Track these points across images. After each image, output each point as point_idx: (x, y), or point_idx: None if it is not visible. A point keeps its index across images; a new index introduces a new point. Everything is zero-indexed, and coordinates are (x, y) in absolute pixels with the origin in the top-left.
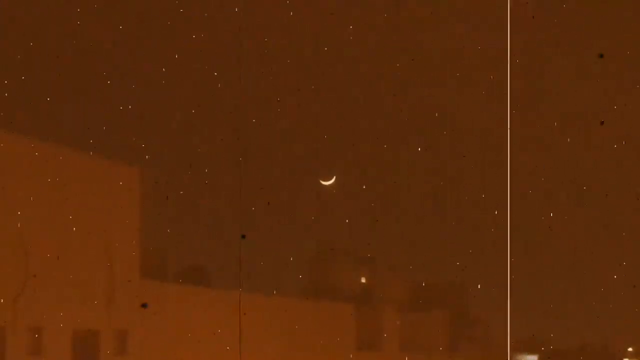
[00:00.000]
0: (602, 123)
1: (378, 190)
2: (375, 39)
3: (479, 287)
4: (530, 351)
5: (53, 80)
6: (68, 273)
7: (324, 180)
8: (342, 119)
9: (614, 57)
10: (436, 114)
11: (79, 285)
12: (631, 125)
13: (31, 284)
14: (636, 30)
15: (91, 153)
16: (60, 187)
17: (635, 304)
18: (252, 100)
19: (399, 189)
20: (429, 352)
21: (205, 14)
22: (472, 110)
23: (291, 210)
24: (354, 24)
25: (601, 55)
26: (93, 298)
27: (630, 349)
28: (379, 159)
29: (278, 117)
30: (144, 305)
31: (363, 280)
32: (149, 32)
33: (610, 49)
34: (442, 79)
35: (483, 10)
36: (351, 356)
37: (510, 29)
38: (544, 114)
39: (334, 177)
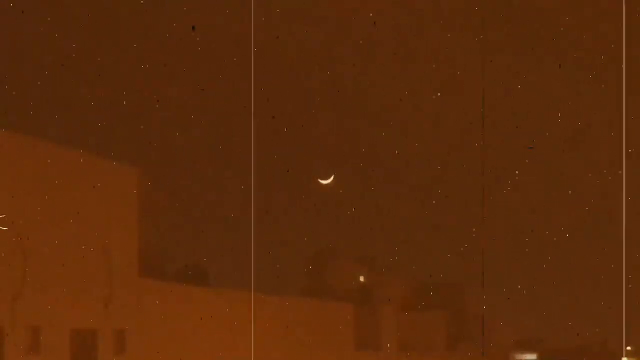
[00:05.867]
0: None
1: (377, 191)
2: (380, 45)
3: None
4: (530, 350)
5: (53, 81)
6: (67, 272)
7: (323, 180)
8: (341, 119)
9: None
10: (435, 115)
11: (78, 284)
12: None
13: (30, 283)
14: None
15: (84, 153)
16: (59, 187)
17: (634, 303)
18: (252, 102)
19: (399, 189)
20: (428, 352)
21: (207, 17)
22: (466, 113)
23: (291, 210)
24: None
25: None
26: (91, 297)
27: (628, 348)
28: (378, 159)
29: (278, 118)
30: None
31: (362, 279)
32: (149, 34)
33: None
34: (438, 83)
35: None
36: (350, 355)
37: None
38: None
39: (333, 176)
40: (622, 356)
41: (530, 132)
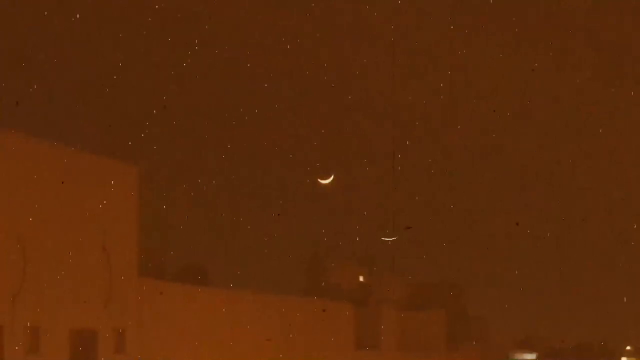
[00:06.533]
0: None
1: (378, 191)
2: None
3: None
4: (530, 349)
5: (54, 80)
6: (66, 272)
7: (323, 180)
8: (341, 119)
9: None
10: (432, 119)
11: (77, 284)
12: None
13: (30, 283)
14: None
15: (84, 153)
16: (59, 187)
17: (633, 303)
18: (252, 102)
19: (399, 189)
20: (428, 352)
21: (208, 19)
22: (468, 115)
23: (291, 210)
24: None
25: None
26: (91, 297)
27: (628, 348)
28: (378, 159)
29: (277, 118)
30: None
31: (361, 278)
32: (150, 35)
33: None
34: (430, 83)
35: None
36: (350, 355)
37: None
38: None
39: (332, 176)
40: (622, 356)
41: (529, 133)
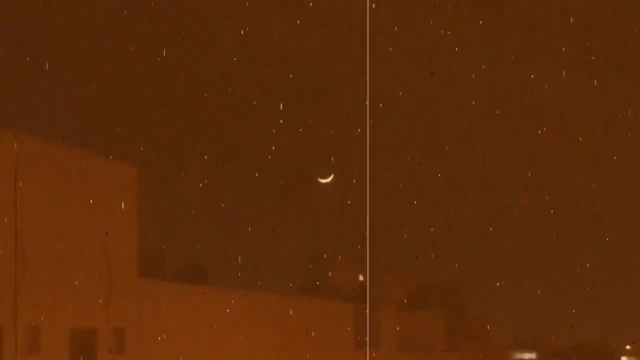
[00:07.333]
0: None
1: (378, 191)
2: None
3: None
4: (530, 349)
5: (53, 80)
6: (66, 272)
7: (322, 178)
8: (340, 119)
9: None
10: (433, 119)
11: (77, 284)
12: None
13: (30, 283)
14: None
15: (84, 153)
16: (59, 187)
17: (634, 302)
18: (252, 102)
19: (398, 189)
20: (428, 352)
21: (209, 18)
22: (467, 115)
23: (291, 210)
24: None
25: None
26: (91, 297)
27: (628, 347)
28: (379, 159)
29: (277, 117)
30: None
31: (361, 278)
32: (150, 34)
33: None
34: (434, 86)
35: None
36: (350, 355)
37: None
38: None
39: (332, 175)
40: (622, 355)
41: (527, 132)
